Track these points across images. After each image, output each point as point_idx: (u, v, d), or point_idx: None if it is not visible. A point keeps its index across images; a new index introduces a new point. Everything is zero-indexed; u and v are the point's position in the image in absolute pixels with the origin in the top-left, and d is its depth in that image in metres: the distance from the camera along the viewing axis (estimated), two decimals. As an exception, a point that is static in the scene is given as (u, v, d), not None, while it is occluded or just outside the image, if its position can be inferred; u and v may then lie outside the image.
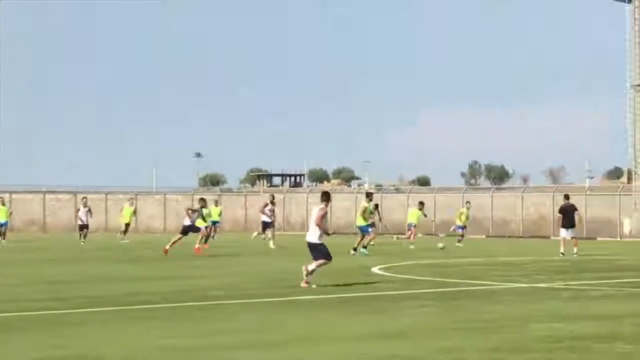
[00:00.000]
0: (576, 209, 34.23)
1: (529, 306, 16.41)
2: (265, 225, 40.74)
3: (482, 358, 10.74)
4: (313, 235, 20.12)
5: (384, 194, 72.45)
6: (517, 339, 12.26)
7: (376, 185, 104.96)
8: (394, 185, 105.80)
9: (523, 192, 67.29)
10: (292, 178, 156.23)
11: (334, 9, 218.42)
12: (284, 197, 71.86)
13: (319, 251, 20.05)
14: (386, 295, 18.27)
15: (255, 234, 43.88)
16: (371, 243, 35.57)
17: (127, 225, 48.41)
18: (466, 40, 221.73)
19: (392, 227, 67.74)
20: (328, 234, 20.91)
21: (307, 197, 72.26)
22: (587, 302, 17.26)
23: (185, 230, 33.84)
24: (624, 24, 62.11)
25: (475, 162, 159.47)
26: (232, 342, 12.01)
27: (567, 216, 33.94)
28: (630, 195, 60.81)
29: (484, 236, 59.37)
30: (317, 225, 20.06)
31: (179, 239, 33.53)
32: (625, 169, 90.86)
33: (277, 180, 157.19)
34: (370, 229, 34.77)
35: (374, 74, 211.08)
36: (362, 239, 34.32)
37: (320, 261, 19.93)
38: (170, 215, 67.62)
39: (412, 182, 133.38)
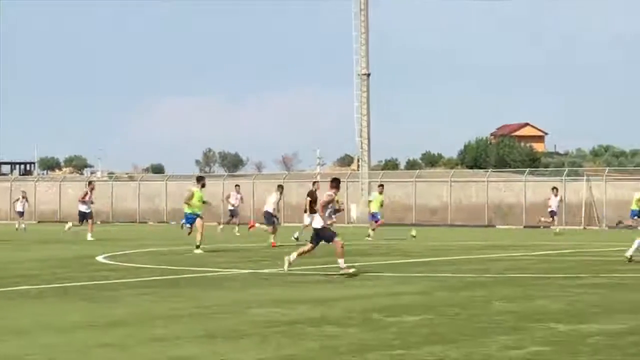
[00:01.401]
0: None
1: (249, 292, 16.48)
2: (84, 216, 38.44)
3: (196, 344, 10.61)
4: (318, 220, 20.04)
5: (114, 182, 71.35)
6: (233, 324, 12.22)
7: (109, 174, 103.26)
8: (127, 173, 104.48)
9: (254, 179, 67.96)
10: (22, 166, 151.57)
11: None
12: (10, 185, 69.58)
13: (327, 234, 19.92)
14: (106, 284, 17.89)
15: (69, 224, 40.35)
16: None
17: None
18: (188, 32, 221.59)
19: (124, 216, 66.84)
20: (328, 223, 20.29)
21: (36, 186, 70.20)
22: (305, 287, 17.50)
23: None
24: (350, 14, 63.82)
25: (210, 150, 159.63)
26: None
27: (314, 201, 34.57)
28: (358, 181, 62.68)
29: (215, 223, 59.44)
30: (319, 209, 20.25)
31: None
32: (354, 157, 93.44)
33: (6, 168, 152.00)
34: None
35: (104, 64, 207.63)
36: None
37: (338, 245, 19.71)
38: None
39: (146, 170, 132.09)
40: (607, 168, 76.58)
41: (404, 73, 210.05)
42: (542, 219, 47.36)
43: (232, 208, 42.84)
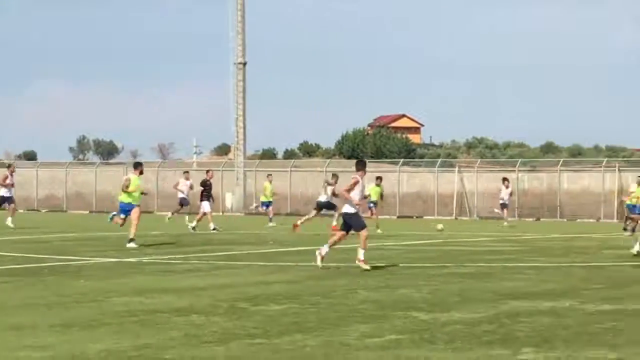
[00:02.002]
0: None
1: (113, 281, 16.24)
2: (3, 200, 36.35)
3: (52, 333, 10.39)
4: (348, 205, 19.14)
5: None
6: (92, 313, 12.02)
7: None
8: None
9: (128, 167, 67.17)
10: None
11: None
12: None
13: (356, 221, 19.06)
14: (-35, 273, 17.42)
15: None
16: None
17: None
18: (63, 14, 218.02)
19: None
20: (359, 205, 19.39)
21: None
22: (173, 276, 17.35)
23: None
24: (227, 3, 63.53)
25: (84, 137, 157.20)
26: None
27: (207, 190, 36.60)
28: (234, 170, 62.51)
29: (87, 212, 58.74)
30: (343, 193, 19.41)
31: None
32: (231, 145, 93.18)
33: None
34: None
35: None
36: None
37: (363, 236, 18.91)
38: None
39: (19, 157, 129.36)
40: (479, 160, 78.01)
41: (283, 63, 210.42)
42: (496, 210, 46.49)
43: (182, 196, 41.18)
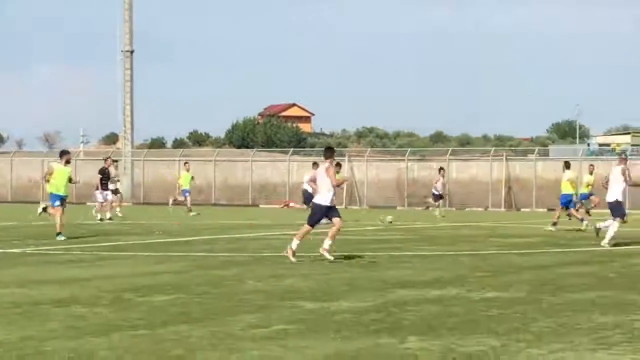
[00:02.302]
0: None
1: (-4, 272, 15.86)
2: None
3: None
4: (327, 196, 18.55)
5: None
6: (-29, 306, 11.68)
7: None
8: None
9: (13, 156, 65.89)
10: None
11: None
12: None
13: (335, 211, 18.60)
14: None
15: None
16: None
17: None
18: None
19: None
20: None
21: None
22: (55, 267, 17.03)
23: None
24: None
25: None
26: None
27: (106, 178, 36.48)
28: (121, 159, 61.69)
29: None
30: (337, 185, 18.84)
31: None
32: (119, 135, 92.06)
33: None
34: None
35: None
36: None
37: (339, 223, 18.52)
38: None
39: None
40: (369, 149, 78.52)
41: (172, 51, 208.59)
42: (429, 200, 45.28)
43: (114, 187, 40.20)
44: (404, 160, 60.95)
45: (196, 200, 58.69)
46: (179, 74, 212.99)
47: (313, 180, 19.38)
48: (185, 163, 45.96)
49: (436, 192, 43.53)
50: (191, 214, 40.54)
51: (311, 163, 42.63)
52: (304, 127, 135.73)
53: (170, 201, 45.08)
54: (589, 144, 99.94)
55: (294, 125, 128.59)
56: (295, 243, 18.34)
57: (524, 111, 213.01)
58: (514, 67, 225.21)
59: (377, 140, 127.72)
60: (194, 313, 11.27)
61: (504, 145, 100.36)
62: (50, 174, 24.46)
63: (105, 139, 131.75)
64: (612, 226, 22.38)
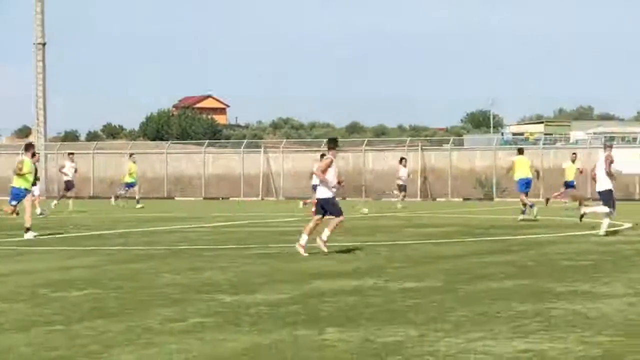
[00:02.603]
0: None
1: None
2: None
3: None
4: (324, 189, 17.98)
5: None
6: None
7: None
8: None
9: None
10: None
11: None
12: None
13: (334, 206, 17.91)
14: None
15: None
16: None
17: None
18: None
19: None
20: (335, 187, 18.16)
21: None
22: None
23: None
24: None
25: None
26: None
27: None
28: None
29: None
30: (318, 174, 17.96)
31: None
32: (32, 128, 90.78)
33: None
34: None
35: None
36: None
37: (336, 221, 17.76)
38: None
39: None
40: (285, 140, 78.45)
41: (84, 44, 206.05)
42: (394, 191, 44.57)
43: (68, 179, 39.02)
44: (320, 151, 60.97)
45: (108, 193, 58.21)
46: (93, 66, 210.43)
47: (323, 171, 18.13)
48: (131, 155, 45.17)
49: (401, 183, 43.10)
50: (138, 205, 39.91)
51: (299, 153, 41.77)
52: (219, 119, 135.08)
53: (113, 199, 43.61)
54: (502, 134, 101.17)
55: (209, 117, 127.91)
56: (326, 234, 17.91)
57: (438, 101, 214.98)
58: (428, 57, 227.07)
59: (293, 132, 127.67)
60: (110, 308, 11.11)
61: (420, 135, 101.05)
62: (22, 167, 23.25)
63: (18, 132, 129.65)
64: (604, 219, 22.51)
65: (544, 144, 63.86)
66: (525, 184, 30.15)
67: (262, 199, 57.87)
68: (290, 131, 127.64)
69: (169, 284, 13.42)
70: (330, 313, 10.59)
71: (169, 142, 74.72)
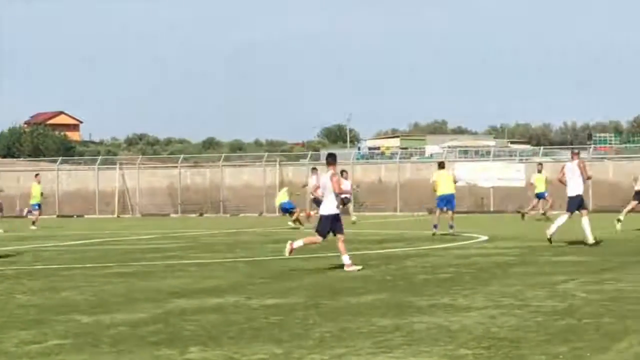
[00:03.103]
0: None
1: None
2: None
3: None
4: (331, 205, 17.67)
5: None
6: None
7: None
8: None
9: None
10: None
11: None
12: None
13: (338, 225, 17.71)
14: None
15: None
16: None
17: None
18: None
19: None
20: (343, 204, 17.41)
21: None
22: None
23: None
24: None
25: None
26: None
27: None
28: None
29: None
30: (339, 192, 17.86)
31: None
32: None
33: None
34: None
35: None
36: None
37: (317, 239, 17.79)
38: None
39: None
40: (141, 156, 77.58)
41: None
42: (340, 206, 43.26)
43: None
44: (176, 167, 60.53)
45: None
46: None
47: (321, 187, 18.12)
48: (37, 175, 43.75)
49: (347, 196, 42.52)
50: (32, 227, 38.62)
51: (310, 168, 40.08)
52: (73, 135, 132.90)
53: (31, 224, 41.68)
54: (359, 148, 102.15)
55: (62, 133, 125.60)
56: (298, 243, 17.88)
57: (295, 116, 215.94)
58: (285, 72, 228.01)
59: (149, 148, 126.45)
60: (-38, 332, 10.67)
61: (277, 150, 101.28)
62: None
63: None
64: (560, 219, 22.46)
65: (400, 157, 64.69)
66: (444, 201, 28.76)
67: (118, 216, 57.00)
68: (145, 147, 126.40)
69: (24, 305, 13.01)
70: (192, 332, 10.41)
71: (21, 159, 72.91)
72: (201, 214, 57.00)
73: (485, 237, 26.46)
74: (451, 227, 28.05)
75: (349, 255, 17.74)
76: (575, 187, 22.67)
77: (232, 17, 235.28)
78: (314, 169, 37.16)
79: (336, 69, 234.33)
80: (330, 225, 17.85)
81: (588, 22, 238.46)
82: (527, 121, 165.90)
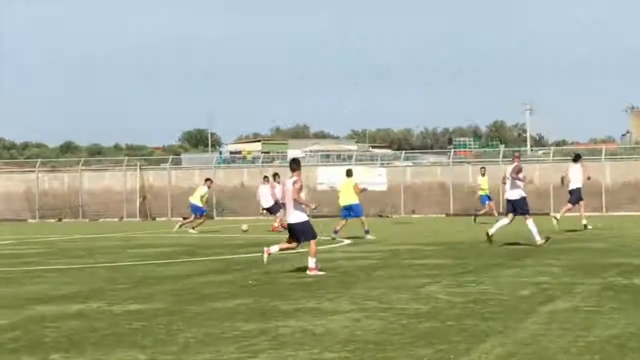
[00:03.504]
0: None
1: None
2: None
3: None
4: (295, 214, 17.01)
5: None
6: None
7: None
8: None
9: None
10: None
11: None
12: None
13: (306, 231, 17.04)
14: None
15: None
16: None
17: None
18: None
19: None
20: (313, 208, 17.99)
21: None
22: None
23: None
24: None
25: None
26: None
27: None
28: None
29: None
30: (295, 199, 16.87)
31: None
32: None
33: None
34: None
35: None
36: None
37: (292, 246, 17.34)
38: None
39: None
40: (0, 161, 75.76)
41: None
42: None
43: None
44: (34, 171, 59.31)
45: None
46: None
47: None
48: None
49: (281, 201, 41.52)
50: None
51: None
52: None
53: None
54: (221, 152, 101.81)
55: None
56: (274, 248, 17.59)
57: (154, 120, 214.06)
58: (146, 75, 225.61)
59: (5, 152, 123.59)
60: None
61: (137, 154, 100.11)
62: None
63: None
64: (531, 225, 22.62)
65: (262, 162, 64.68)
66: (347, 211, 28.29)
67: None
68: (1, 151, 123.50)
69: None
70: (53, 339, 10.16)
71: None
72: (60, 219, 55.96)
73: (349, 241, 26.63)
74: (367, 232, 27.90)
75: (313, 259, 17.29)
76: (517, 190, 23.16)
77: (85, 18, 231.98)
78: (276, 174, 35.51)
79: (196, 70, 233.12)
80: (302, 230, 17.20)
81: (447, 28, 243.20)
82: (388, 126, 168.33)
